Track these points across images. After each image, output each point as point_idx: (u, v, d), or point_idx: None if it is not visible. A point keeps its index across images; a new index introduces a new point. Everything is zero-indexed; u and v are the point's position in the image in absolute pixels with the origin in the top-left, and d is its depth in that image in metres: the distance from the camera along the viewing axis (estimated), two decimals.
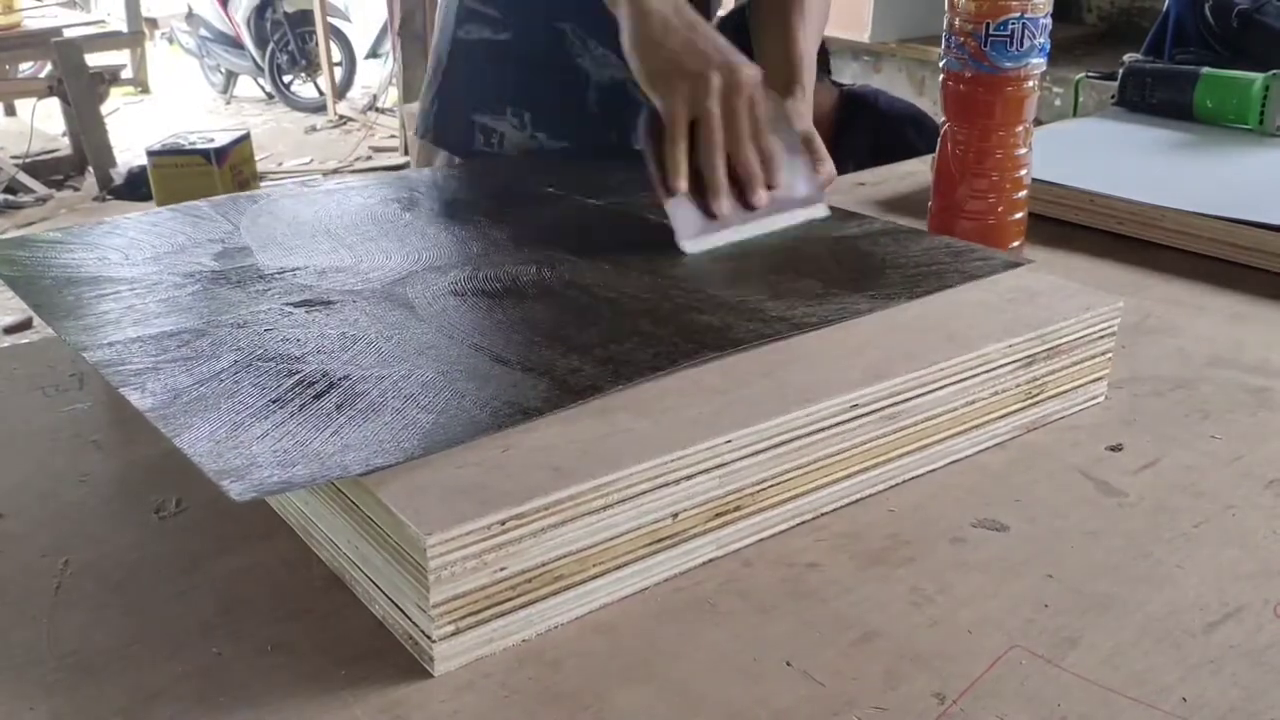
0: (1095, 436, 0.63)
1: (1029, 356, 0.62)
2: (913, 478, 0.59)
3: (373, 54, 5.99)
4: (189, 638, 0.47)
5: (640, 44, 0.81)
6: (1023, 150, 0.82)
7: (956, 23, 0.79)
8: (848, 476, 0.56)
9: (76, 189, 4.41)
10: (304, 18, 5.78)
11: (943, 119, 0.83)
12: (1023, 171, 0.83)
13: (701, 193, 0.78)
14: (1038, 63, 0.79)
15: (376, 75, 5.82)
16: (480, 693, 0.44)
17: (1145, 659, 0.46)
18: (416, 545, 0.43)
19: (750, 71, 0.79)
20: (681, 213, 0.77)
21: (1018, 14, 0.76)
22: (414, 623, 0.46)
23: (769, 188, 0.79)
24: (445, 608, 0.44)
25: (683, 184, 0.78)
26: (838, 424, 0.55)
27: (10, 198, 4.21)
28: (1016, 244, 0.83)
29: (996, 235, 0.81)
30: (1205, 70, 1.17)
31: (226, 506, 0.56)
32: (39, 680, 0.45)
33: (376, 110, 5.60)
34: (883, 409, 0.56)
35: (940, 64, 0.81)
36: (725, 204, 0.78)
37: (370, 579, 0.48)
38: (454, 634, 0.45)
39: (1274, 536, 0.54)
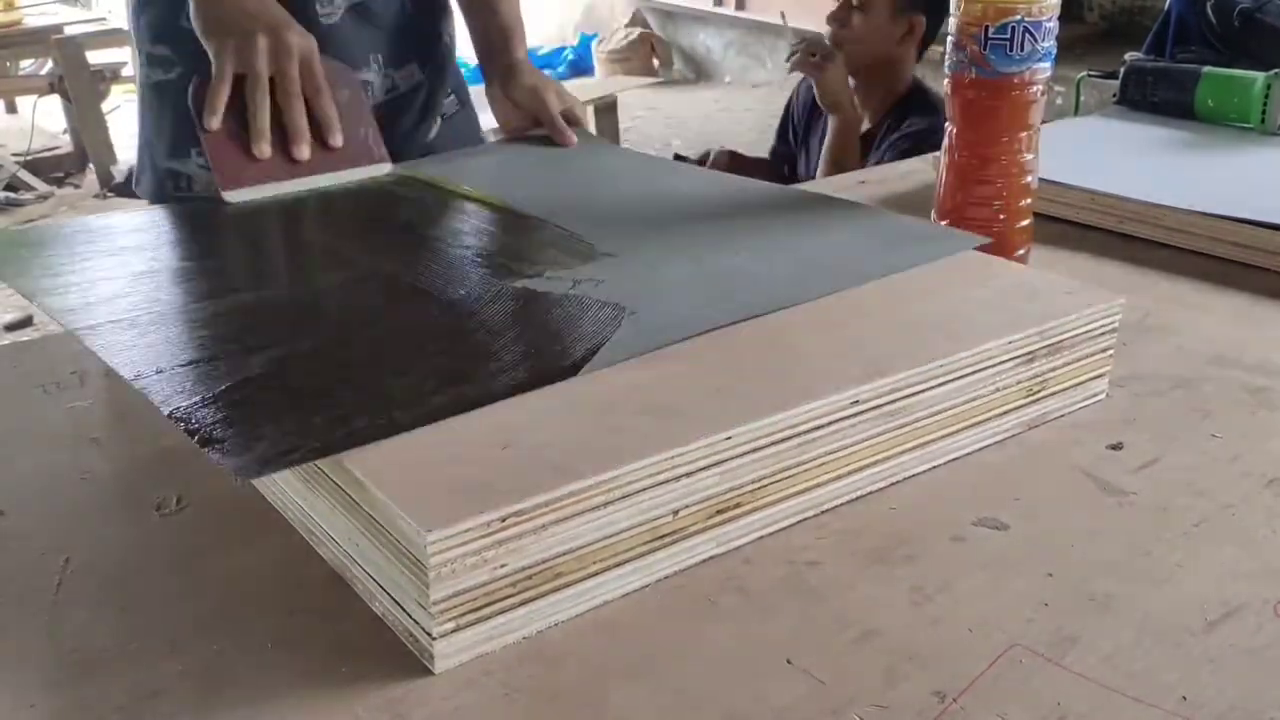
0: (1096, 435, 0.63)
1: (1030, 353, 0.62)
2: (913, 475, 0.59)
3: None
4: (189, 635, 0.47)
5: (198, 3, 0.89)
6: (1028, 156, 0.80)
7: (958, 25, 0.78)
8: (848, 474, 0.56)
9: (77, 186, 4.40)
10: None
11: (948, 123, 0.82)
12: (1028, 178, 0.81)
13: (247, 145, 0.85)
14: (1042, 67, 0.77)
15: None
16: (480, 690, 0.44)
17: (1145, 658, 0.46)
18: (416, 542, 0.43)
19: (297, 37, 0.87)
20: (223, 159, 0.84)
21: (1018, 17, 0.75)
22: (414, 620, 0.46)
23: (326, 146, 0.87)
24: (445, 605, 0.44)
25: (215, 122, 0.85)
26: (838, 421, 0.55)
27: (11, 195, 4.21)
28: (1023, 251, 0.83)
29: (1001, 243, 0.80)
30: (1207, 69, 1.17)
31: (227, 504, 0.56)
32: (39, 678, 0.45)
33: None
34: (883, 406, 0.56)
35: (945, 67, 0.81)
36: (265, 148, 0.85)
37: (371, 576, 0.48)
38: (454, 631, 0.45)
39: (1274, 536, 0.54)
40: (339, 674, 0.45)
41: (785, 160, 2.08)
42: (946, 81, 0.81)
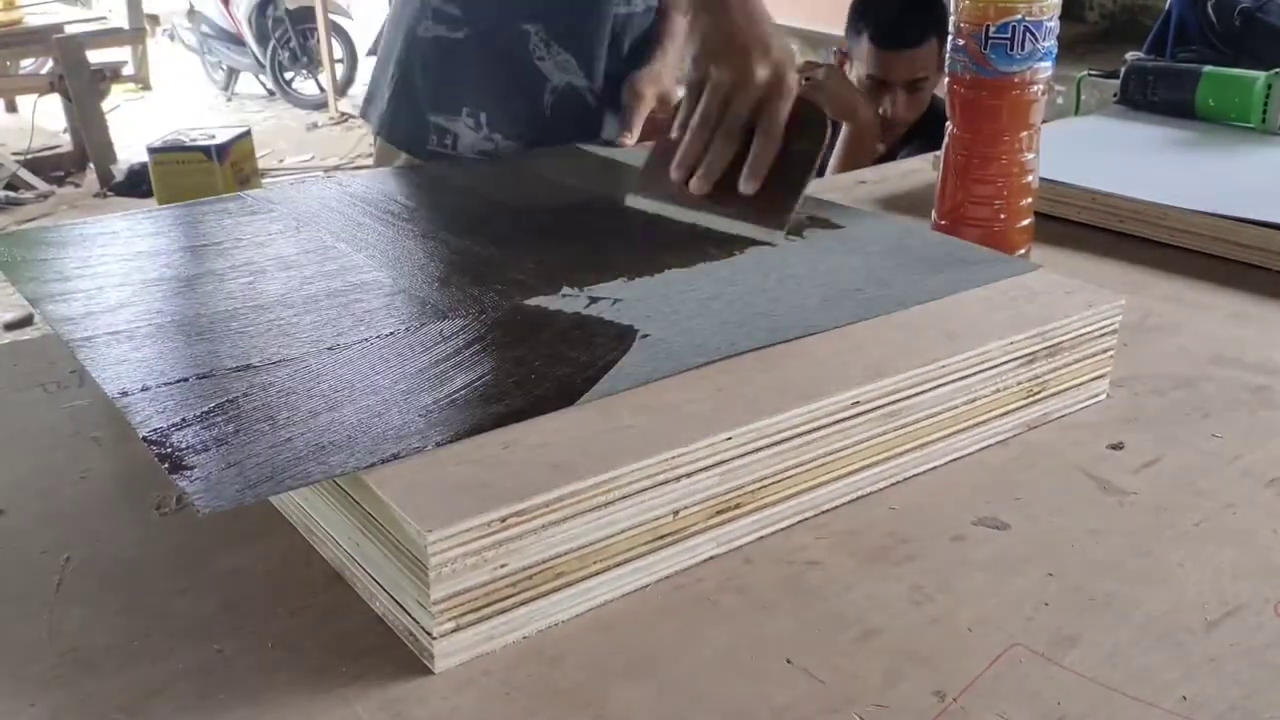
0: (1096, 435, 0.63)
1: (1030, 354, 0.62)
2: (913, 475, 0.59)
3: (374, 51, 5.99)
4: (190, 634, 0.47)
5: (699, 25, 0.83)
6: (1028, 156, 0.80)
7: (959, 25, 0.78)
8: (849, 474, 0.56)
9: (78, 185, 4.41)
10: (305, 14, 5.78)
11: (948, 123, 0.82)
12: (1029, 178, 0.81)
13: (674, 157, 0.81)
14: (1042, 67, 0.77)
15: None
16: (480, 689, 0.44)
17: (1145, 657, 0.46)
18: (417, 542, 0.43)
19: (794, 79, 0.80)
20: (652, 165, 0.84)
21: (1019, 16, 0.75)
22: (414, 619, 0.46)
23: (737, 191, 0.79)
24: (446, 604, 0.44)
25: (629, 140, 0.93)
26: (839, 421, 0.55)
27: (11, 194, 4.21)
28: (1023, 251, 0.83)
29: (1001, 242, 0.80)
30: (1207, 69, 1.17)
31: None
32: (39, 676, 0.45)
33: None
34: (884, 406, 0.56)
35: (945, 66, 0.81)
36: (675, 173, 0.80)
37: (371, 575, 0.48)
38: (454, 631, 0.45)
39: (1274, 536, 0.54)
40: (339, 673, 0.45)
41: None
42: (947, 81, 0.81)
